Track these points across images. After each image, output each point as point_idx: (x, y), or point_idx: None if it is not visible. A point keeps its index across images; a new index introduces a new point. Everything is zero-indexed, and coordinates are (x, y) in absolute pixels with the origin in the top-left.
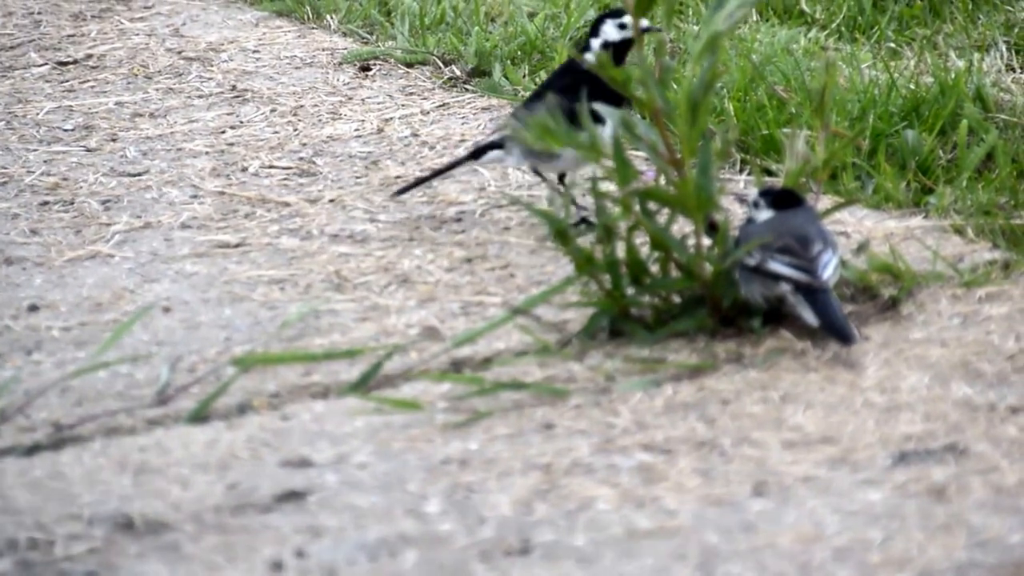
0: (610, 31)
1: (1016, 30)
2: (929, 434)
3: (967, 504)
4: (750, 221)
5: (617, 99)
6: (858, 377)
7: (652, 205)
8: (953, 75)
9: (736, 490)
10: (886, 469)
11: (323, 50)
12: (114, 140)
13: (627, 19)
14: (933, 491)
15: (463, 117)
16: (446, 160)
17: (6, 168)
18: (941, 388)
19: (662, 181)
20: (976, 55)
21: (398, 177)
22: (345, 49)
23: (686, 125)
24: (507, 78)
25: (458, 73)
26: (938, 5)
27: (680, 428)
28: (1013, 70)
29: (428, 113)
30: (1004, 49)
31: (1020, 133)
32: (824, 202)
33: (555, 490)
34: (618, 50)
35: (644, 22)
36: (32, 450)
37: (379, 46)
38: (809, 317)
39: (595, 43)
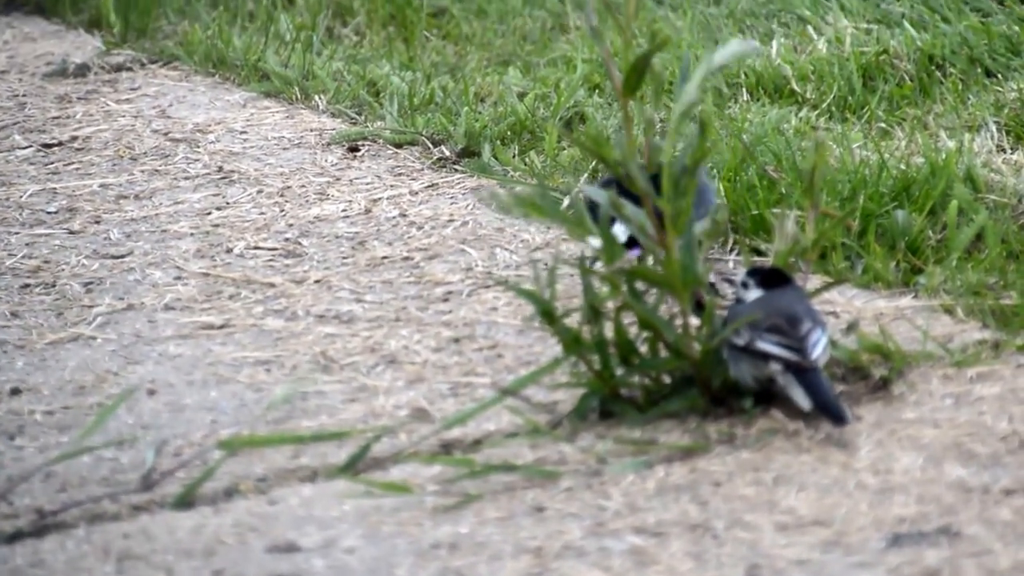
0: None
1: (1006, 111)
2: (922, 516)
3: None
4: (739, 301)
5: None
6: (851, 458)
7: (640, 284)
8: (943, 155)
9: (729, 574)
10: (880, 552)
11: (311, 131)
12: (98, 222)
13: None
14: (927, 574)
15: (452, 197)
16: (434, 240)
17: None
18: (934, 469)
19: (649, 260)
20: (966, 135)
21: (385, 258)
22: (333, 130)
23: (670, 204)
24: (496, 158)
25: (447, 153)
26: (928, 85)
27: (672, 510)
28: (1003, 151)
29: (417, 193)
30: (994, 130)
31: (1010, 213)
32: (813, 282)
33: (546, 574)
34: None
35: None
36: (14, 537)
37: (368, 126)
38: (800, 399)
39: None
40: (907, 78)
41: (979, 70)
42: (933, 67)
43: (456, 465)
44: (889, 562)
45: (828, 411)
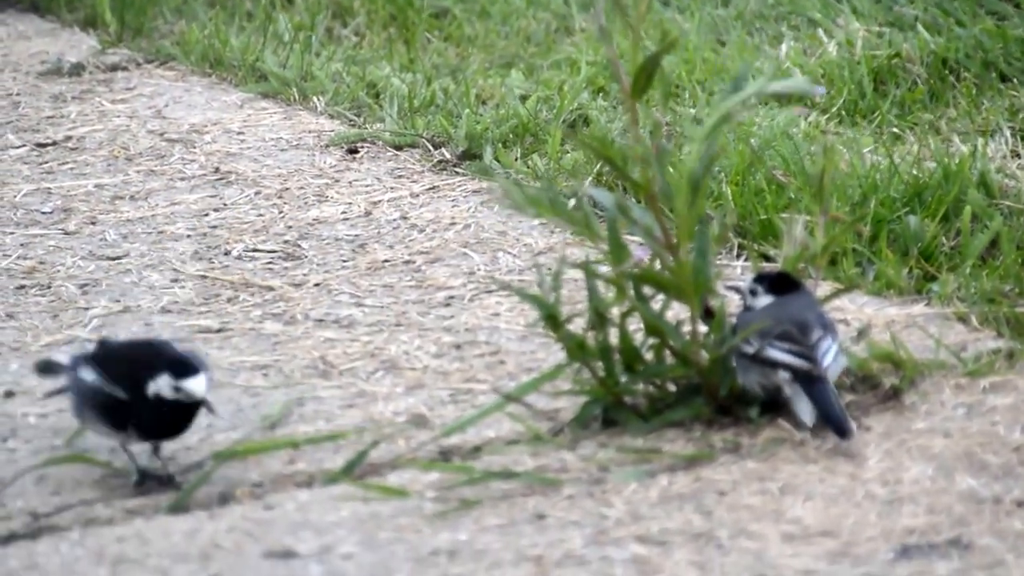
0: (163, 385)
1: (1021, 115)
2: (932, 527)
3: None
4: (747, 309)
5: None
6: (859, 468)
7: (646, 290)
8: (956, 160)
9: None
10: (888, 563)
11: (309, 132)
12: (93, 223)
13: (188, 384)
14: None
15: (453, 200)
16: (436, 243)
17: None
18: (945, 480)
19: (656, 265)
20: (980, 140)
21: (386, 261)
22: (332, 131)
23: (685, 207)
24: (498, 161)
25: (448, 156)
26: (941, 90)
27: (676, 519)
28: (1018, 156)
29: (417, 196)
30: (1008, 134)
31: None
32: (824, 288)
33: None
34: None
35: (200, 392)
36: (7, 539)
37: (367, 128)
38: (804, 414)
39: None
40: (919, 82)
41: (994, 74)
42: (946, 71)
43: (455, 472)
44: (898, 574)
45: (833, 423)
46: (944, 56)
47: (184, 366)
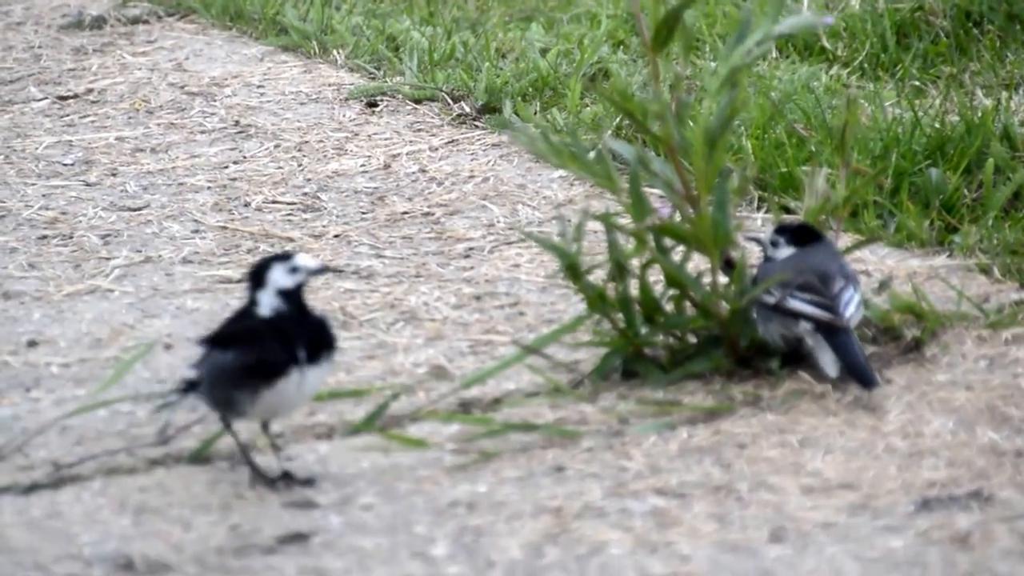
0: (280, 278)
1: None
2: (953, 480)
3: (992, 552)
4: (768, 259)
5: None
6: (880, 421)
7: (667, 241)
8: (980, 113)
9: (753, 536)
10: (908, 515)
11: (329, 85)
12: (114, 175)
13: (298, 261)
14: (957, 538)
15: (472, 154)
16: (455, 196)
17: (4, 202)
18: (966, 433)
19: (677, 218)
20: (1004, 93)
21: (405, 212)
22: (352, 85)
23: (703, 161)
24: (518, 115)
25: (467, 110)
26: (965, 43)
27: (695, 472)
28: None
29: (436, 149)
30: None
31: None
32: (845, 240)
33: (566, 534)
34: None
35: (314, 263)
36: (30, 489)
37: (387, 82)
38: (828, 365)
39: (265, 297)
40: (943, 35)
41: (1018, 27)
42: (970, 23)
43: (475, 424)
44: (918, 525)
45: (857, 374)
46: (967, 8)
47: (287, 255)
